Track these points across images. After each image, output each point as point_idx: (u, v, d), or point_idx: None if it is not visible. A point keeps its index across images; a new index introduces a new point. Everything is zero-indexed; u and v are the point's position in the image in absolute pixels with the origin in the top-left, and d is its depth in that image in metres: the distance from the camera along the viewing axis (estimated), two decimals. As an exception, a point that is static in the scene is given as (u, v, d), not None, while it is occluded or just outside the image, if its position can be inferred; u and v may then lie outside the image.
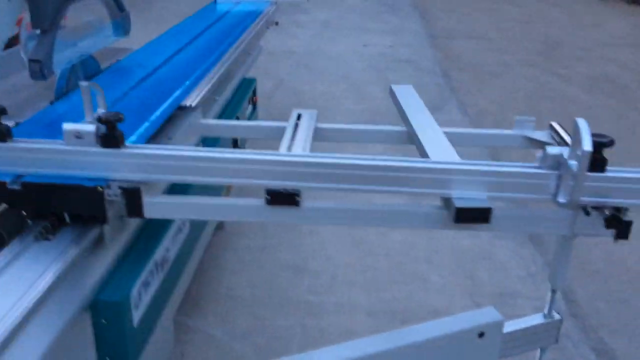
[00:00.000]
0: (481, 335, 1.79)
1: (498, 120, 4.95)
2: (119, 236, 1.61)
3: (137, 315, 1.58)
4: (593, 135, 1.43)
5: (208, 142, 2.39)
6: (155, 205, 1.54)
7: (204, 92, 2.32)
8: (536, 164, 1.48)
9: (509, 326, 1.86)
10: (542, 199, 1.46)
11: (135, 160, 1.49)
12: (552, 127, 2.00)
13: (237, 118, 2.90)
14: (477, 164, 1.48)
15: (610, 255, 3.09)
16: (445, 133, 2.04)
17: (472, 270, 2.92)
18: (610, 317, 2.63)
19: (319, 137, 2.10)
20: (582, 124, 1.36)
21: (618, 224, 1.42)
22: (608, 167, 1.46)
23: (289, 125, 1.94)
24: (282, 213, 1.50)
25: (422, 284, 2.80)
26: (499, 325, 1.81)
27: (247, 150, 1.52)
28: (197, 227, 2.13)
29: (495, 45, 7.44)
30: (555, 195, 1.44)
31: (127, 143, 1.57)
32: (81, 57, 2.26)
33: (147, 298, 1.66)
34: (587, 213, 1.45)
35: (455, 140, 2.05)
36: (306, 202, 1.51)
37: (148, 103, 2.10)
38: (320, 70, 6.29)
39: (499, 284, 2.81)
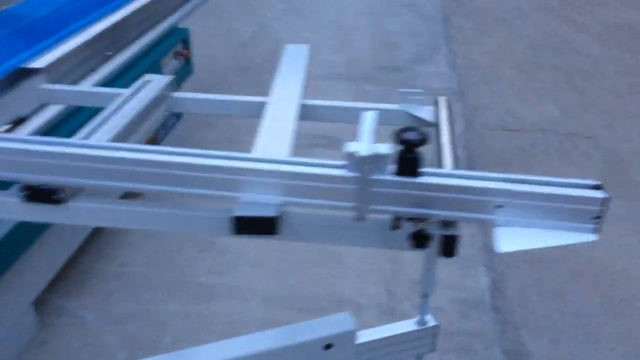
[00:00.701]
0: (328, 347, 1.56)
1: (485, 75, 4.48)
2: None
3: None
4: (404, 130, 1.11)
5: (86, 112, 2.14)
6: None
7: (67, 50, 2.05)
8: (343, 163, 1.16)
9: (367, 335, 1.62)
10: (345, 207, 1.16)
11: None
12: (436, 104, 1.65)
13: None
14: (275, 162, 1.18)
15: (564, 239, 2.72)
16: (315, 107, 1.72)
17: (398, 252, 2.62)
18: (539, 313, 2.31)
19: (174, 106, 1.82)
20: (369, 117, 1.03)
21: (424, 241, 1.12)
22: (433, 170, 1.13)
23: (121, 96, 1.66)
24: (44, 211, 1.26)
25: (335, 267, 2.53)
26: (349, 335, 1.57)
27: (7, 136, 1.26)
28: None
29: (512, -13, 6.78)
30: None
31: None
32: None
33: None
34: (395, 226, 1.14)
35: (323, 115, 1.74)
36: (74, 200, 1.26)
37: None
38: (311, 15, 5.86)
39: (423, 270, 2.51)
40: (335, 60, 4.78)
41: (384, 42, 5.19)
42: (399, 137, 1.09)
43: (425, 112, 1.68)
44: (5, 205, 1.26)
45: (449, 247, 1.16)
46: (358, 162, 1.01)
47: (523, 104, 4.06)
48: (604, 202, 1.05)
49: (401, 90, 1.70)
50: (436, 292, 2.42)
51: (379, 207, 1.14)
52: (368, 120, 1.02)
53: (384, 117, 1.72)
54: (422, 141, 1.09)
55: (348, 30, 5.48)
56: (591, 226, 1.08)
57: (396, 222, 1.15)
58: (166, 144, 3.03)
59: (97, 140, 1.43)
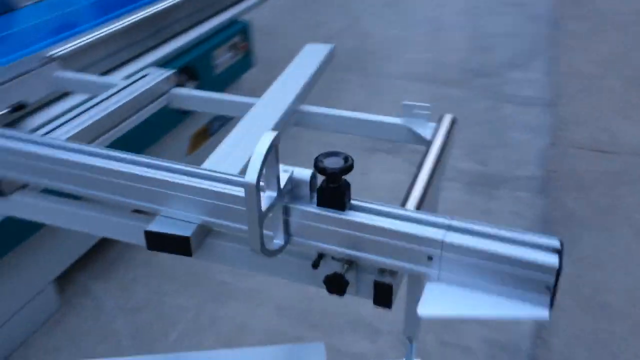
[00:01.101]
0: (291, 378, 1.42)
1: (587, 86, 4.00)
2: None
3: None
4: (326, 155, 0.93)
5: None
6: None
7: (93, 38, 2.06)
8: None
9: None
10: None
11: None
12: (441, 121, 1.42)
13: (192, 68, 2.59)
14: (199, 177, 1.05)
15: (636, 285, 2.33)
16: (309, 114, 1.57)
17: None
18: (581, 372, 1.98)
19: (172, 102, 1.74)
20: (267, 138, 0.87)
21: (338, 287, 0.95)
22: (365, 205, 0.95)
23: (112, 88, 1.61)
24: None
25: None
26: (318, 368, 1.42)
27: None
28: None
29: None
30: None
31: None
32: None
33: None
34: (315, 265, 0.98)
35: (318, 123, 1.58)
36: (18, 193, 1.24)
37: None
38: (407, 11, 5.61)
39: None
40: (422, 59, 4.52)
41: (479, 43, 4.83)
42: (316, 164, 0.92)
43: (428, 130, 1.47)
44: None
45: (381, 296, 0.97)
46: (247, 190, 0.85)
47: (625, 122, 3.57)
48: (558, 272, 0.81)
49: (405, 102, 1.49)
50: (469, 329, 2.19)
51: (299, 240, 0.98)
52: (265, 141, 0.86)
53: (383, 131, 1.54)
54: (344, 170, 0.91)
55: (443, 28, 5.17)
56: (544, 298, 0.84)
57: (319, 259, 0.99)
58: (219, 136, 3.00)
59: (65, 133, 1.39)
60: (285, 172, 0.95)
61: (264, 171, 0.86)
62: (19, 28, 2.09)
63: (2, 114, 1.64)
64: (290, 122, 1.56)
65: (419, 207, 1.05)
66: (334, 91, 3.91)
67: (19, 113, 1.73)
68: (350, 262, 0.97)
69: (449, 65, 4.40)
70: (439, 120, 1.43)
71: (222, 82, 2.89)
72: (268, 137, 0.86)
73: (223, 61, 2.88)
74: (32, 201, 1.22)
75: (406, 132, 1.50)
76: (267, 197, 0.91)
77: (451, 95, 3.95)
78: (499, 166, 3.17)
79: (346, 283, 0.96)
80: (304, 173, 0.94)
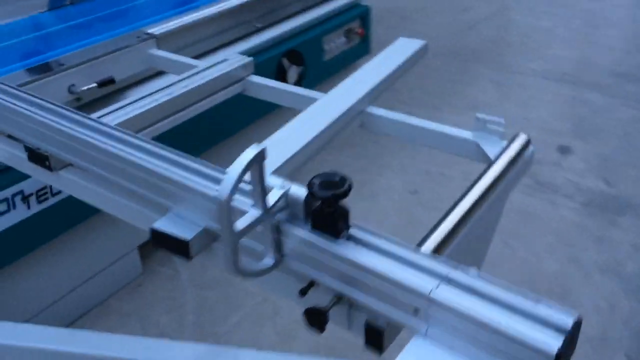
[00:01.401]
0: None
1: None
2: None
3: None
4: (322, 176, 0.83)
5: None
6: None
7: (193, 19, 2.10)
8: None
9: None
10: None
11: None
12: (512, 139, 1.23)
13: (298, 53, 2.56)
14: (206, 181, 1.00)
15: None
16: (375, 116, 1.47)
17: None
18: None
19: (247, 90, 1.72)
20: (248, 154, 0.79)
21: (318, 323, 0.86)
22: (365, 236, 0.85)
23: (192, 70, 1.62)
24: (41, 173, 1.32)
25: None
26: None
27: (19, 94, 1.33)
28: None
29: None
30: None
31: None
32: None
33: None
34: (303, 292, 0.89)
35: (382, 127, 1.48)
36: (64, 170, 1.29)
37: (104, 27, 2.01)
38: (562, 1, 5.08)
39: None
40: (566, 57, 4.08)
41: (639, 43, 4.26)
42: (309, 186, 0.83)
43: (498, 149, 1.28)
44: (14, 157, 1.35)
45: (372, 338, 0.86)
46: (218, 207, 0.78)
47: None
48: (558, 357, 0.65)
49: (478, 115, 1.32)
50: None
51: (292, 262, 0.90)
52: (245, 156, 0.78)
53: (447, 143, 1.39)
54: (338, 196, 0.81)
55: (600, 23, 4.62)
56: (540, 386, 0.68)
57: (308, 287, 0.90)
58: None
59: (129, 112, 1.42)
60: (281, 189, 0.87)
61: (239, 187, 0.79)
62: (127, 5, 2.20)
63: (91, 88, 1.73)
64: (353, 123, 1.46)
65: (439, 249, 0.91)
66: (460, 84, 3.67)
67: (108, 88, 1.81)
68: (341, 296, 0.87)
69: (597, 66, 3.93)
70: (511, 140, 1.24)
71: (331, 69, 2.83)
72: (250, 152, 0.79)
73: (335, 47, 2.82)
74: (75, 179, 1.26)
75: (474, 149, 1.33)
76: (249, 215, 0.84)
77: (592, 100, 3.52)
78: (629, 188, 2.77)
79: (325, 320, 0.86)
80: (300, 192, 0.86)
